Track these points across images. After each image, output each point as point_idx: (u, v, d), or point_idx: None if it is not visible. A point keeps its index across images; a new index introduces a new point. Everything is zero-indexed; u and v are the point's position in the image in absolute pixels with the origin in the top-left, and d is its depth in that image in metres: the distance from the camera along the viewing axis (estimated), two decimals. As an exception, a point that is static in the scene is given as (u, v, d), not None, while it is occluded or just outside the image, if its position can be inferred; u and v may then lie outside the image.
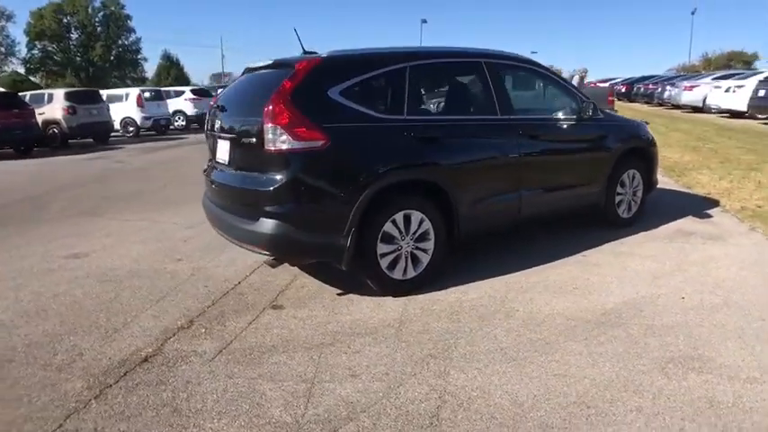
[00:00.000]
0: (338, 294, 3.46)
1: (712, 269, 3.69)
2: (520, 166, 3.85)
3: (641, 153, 4.86)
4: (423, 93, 3.53)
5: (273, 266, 3.49)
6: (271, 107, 2.94)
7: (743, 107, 13.63)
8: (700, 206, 5.51)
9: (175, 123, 18.79)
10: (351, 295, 3.42)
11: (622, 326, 2.86)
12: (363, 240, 3.16)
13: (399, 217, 3.29)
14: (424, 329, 2.91)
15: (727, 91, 14.55)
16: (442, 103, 3.68)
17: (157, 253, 4.46)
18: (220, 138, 3.52)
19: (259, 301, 3.39)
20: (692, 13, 53.29)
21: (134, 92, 16.77)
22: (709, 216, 5.16)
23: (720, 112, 16.03)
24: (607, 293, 3.32)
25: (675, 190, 6.39)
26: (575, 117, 4.17)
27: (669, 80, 23.76)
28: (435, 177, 3.39)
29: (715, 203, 5.63)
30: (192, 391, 2.36)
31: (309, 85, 3.03)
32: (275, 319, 3.11)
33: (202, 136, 16.41)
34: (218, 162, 3.60)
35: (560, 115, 4.12)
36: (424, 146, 3.35)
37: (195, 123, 19.24)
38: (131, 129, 16.45)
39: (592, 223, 4.74)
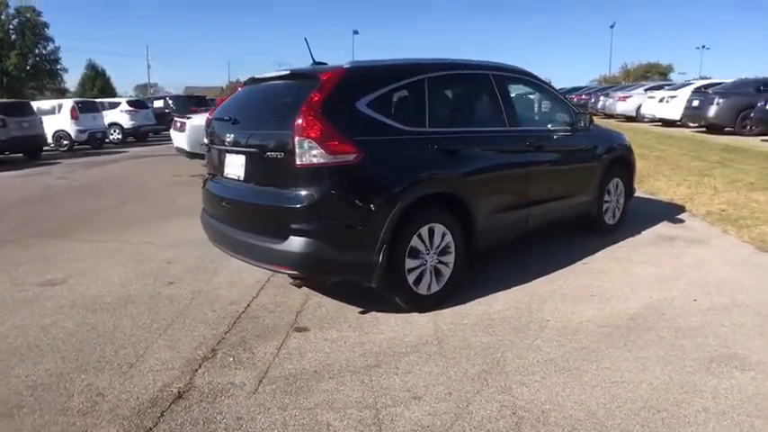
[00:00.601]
0: (360, 313, 3.37)
1: (708, 271, 3.95)
2: (528, 177, 3.96)
3: (623, 161, 5.15)
4: (441, 105, 3.55)
5: (299, 287, 3.35)
6: (301, 120, 2.84)
7: (677, 116, 14.83)
8: (668, 212, 5.89)
9: (111, 137, 17.72)
10: (374, 313, 3.34)
11: (653, 330, 2.99)
12: (392, 256, 3.11)
13: (425, 231, 3.27)
14: (465, 345, 2.89)
15: (661, 101, 15.78)
16: (457, 115, 3.72)
17: (144, 277, 4.15)
18: (231, 152, 3.35)
19: (279, 324, 3.23)
20: (611, 27, 57.54)
21: (68, 103, 15.62)
22: (682, 221, 5.53)
23: (653, 121, 17.36)
24: (624, 299, 3.46)
25: (640, 196, 6.78)
26: (572, 128, 4.37)
27: (602, 91, 25.41)
28: (456, 190, 3.41)
29: (681, 209, 6.04)
30: (247, 428, 2.20)
31: (338, 97, 2.96)
32: (305, 343, 2.98)
33: (144, 149, 15.69)
34: (226, 177, 3.42)
35: (560, 126, 4.28)
36: (446, 158, 3.37)
37: (132, 137, 18.26)
38: (65, 143, 15.29)
39: (578, 231, 4.94)
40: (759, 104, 11.02)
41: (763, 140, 11.56)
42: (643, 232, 5.12)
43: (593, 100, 24.70)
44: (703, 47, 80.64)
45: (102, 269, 4.37)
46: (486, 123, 3.80)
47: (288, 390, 2.49)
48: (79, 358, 2.85)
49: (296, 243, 2.90)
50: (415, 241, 3.22)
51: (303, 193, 2.89)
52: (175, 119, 10.08)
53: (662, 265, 4.12)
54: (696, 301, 3.38)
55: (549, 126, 4.27)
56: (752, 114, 11.61)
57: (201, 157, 9.77)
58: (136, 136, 18.31)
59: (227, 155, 3.38)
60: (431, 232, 3.30)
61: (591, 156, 4.67)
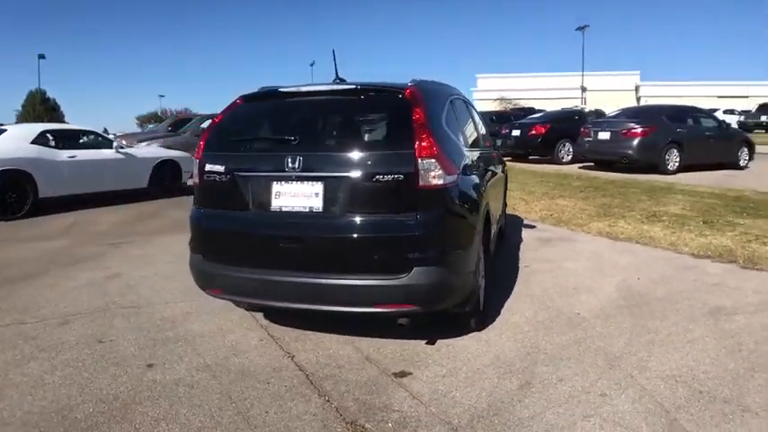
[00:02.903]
0: (427, 344, 3.34)
1: (612, 259, 5.27)
2: (499, 192, 4.59)
3: (507, 176, 6.33)
4: (463, 125, 3.82)
5: (404, 325, 3.08)
6: (420, 139, 2.77)
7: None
8: (515, 221, 7.39)
9: None
10: (440, 342, 3.36)
11: (650, 303, 3.96)
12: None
13: (480, 250, 3.51)
14: (559, 347, 3.26)
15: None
16: (469, 135, 4.05)
17: (94, 367, 3.04)
18: (292, 179, 2.90)
19: (371, 377, 2.95)
20: (311, 65, 64.42)
21: None
22: (533, 226, 7.03)
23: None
24: (599, 288, 4.37)
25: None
26: (496, 147, 5.25)
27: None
28: (488, 206, 3.75)
29: (518, 217, 7.65)
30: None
31: (432, 116, 3.00)
32: (430, 385, 2.85)
33: None
34: (280, 211, 2.92)
35: (493, 145, 5.09)
36: (483, 175, 3.70)
37: None
38: None
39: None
40: (509, 133, 14.57)
41: (509, 161, 15.28)
42: (524, 237, 6.35)
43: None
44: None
45: (6, 368, 2.97)
46: (478, 143, 4.27)
47: (497, 428, 2.42)
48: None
49: (422, 274, 2.77)
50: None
51: (425, 217, 2.79)
52: None
53: (577, 259, 5.30)
54: (639, 279, 4.57)
55: (489, 147, 5.02)
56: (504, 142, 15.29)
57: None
58: None
59: (282, 183, 2.90)
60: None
61: (503, 171, 5.63)
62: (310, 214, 2.90)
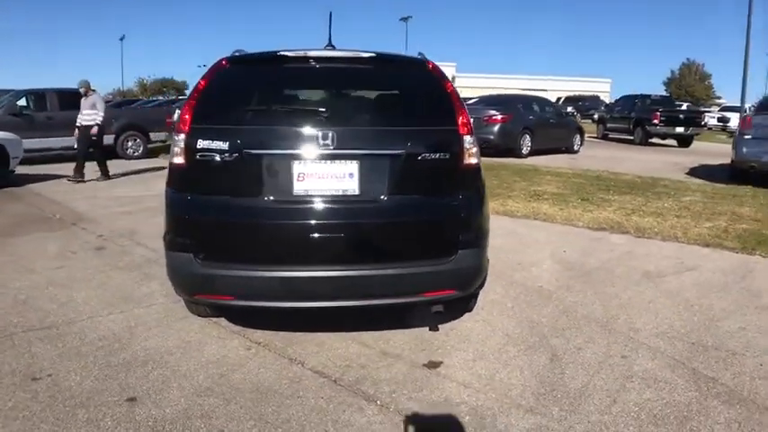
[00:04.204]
0: (431, 330, 3.27)
1: (526, 233, 5.76)
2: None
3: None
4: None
5: (440, 313, 2.90)
6: (462, 115, 2.67)
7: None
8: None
9: None
10: (444, 327, 3.31)
11: (591, 273, 4.42)
12: None
13: None
14: (553, 318, 3.48)
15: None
16: None
17: (74, 420, 2.34)
18: (324, 158, 2.57)
19: (405, 372, 2.80)
20: (121, 39, 59.49)
21: None
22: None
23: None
24: (539, 262, 4.73)
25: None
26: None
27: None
28: None
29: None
30: None
31: (456, 90, 2.86)
32: (468, 371, 2.82)
33: None
34: (307, 196, 2.54)
35: None
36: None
37: None
38: None
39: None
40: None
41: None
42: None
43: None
44: (204, 65, 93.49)
45: None
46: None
47: (564, 402, 2.48)
48: None
49: (466, 257, 2.69)
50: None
51: (467, 198, 2.72)
52: None
53: (495, 237, 5.59)
54: (565, 252, 5.06)
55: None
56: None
57: None
58: None
59: (306, 163, 2.52)
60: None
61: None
62: (346, 198, 2.59)
